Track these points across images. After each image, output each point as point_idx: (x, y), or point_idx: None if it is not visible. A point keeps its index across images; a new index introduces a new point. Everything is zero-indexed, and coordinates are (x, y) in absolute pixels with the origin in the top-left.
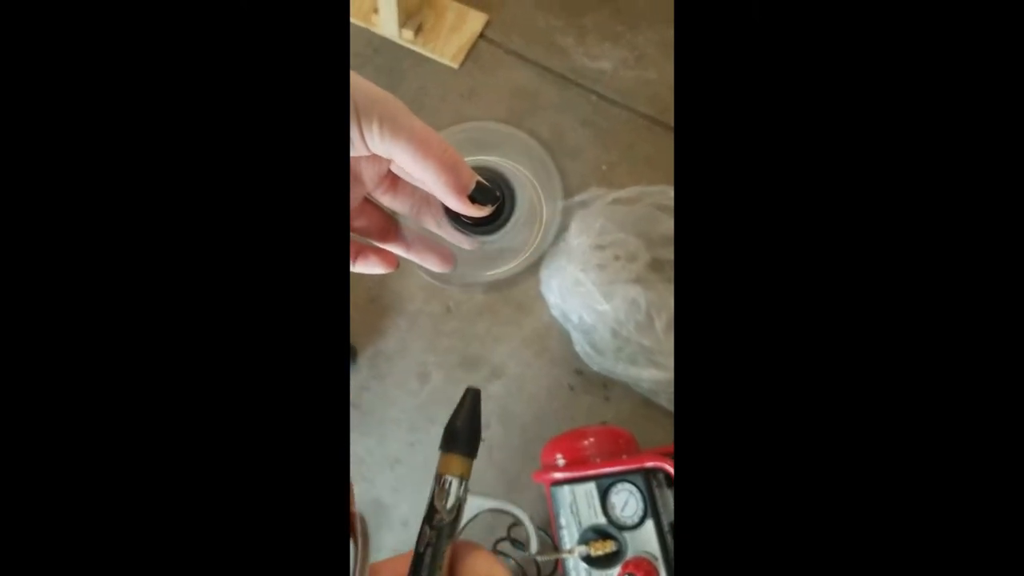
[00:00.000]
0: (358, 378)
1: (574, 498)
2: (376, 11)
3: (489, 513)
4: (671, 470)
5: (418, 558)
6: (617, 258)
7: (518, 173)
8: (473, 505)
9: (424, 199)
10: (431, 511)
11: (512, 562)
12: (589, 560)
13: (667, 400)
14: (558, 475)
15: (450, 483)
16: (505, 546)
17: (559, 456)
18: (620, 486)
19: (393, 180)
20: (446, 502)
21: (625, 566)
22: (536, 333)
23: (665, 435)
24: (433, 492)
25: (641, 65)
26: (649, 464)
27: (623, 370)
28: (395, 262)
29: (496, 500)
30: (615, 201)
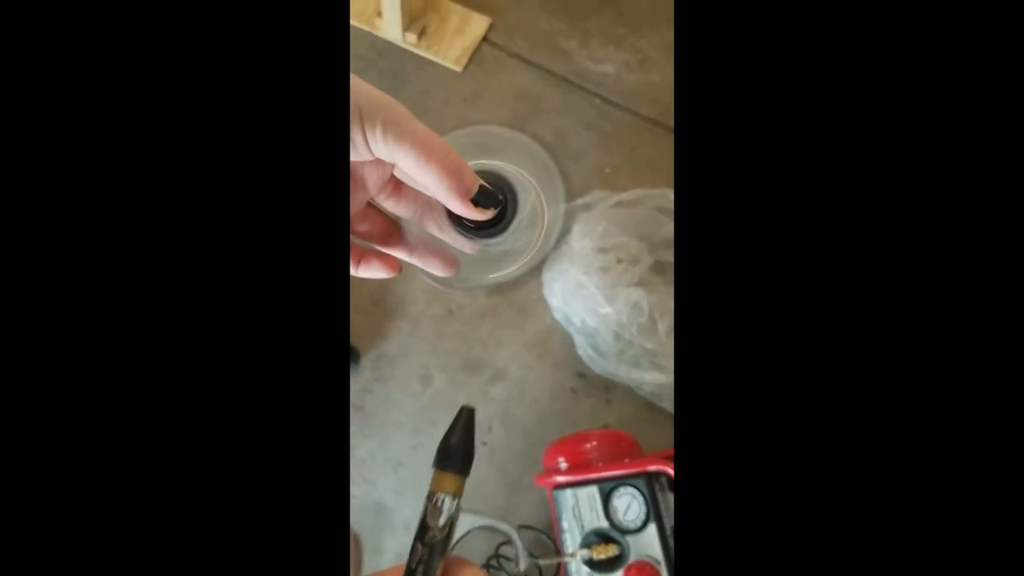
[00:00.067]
0: (361, 380)
1: (576, 502)
2: (380, 15)
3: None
4: (673, 474)
5: (410, 574)
6: (620, 261)
7: (521, 176)
8: (465, 522)
9: (427, 203)
10: (423, 528)
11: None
12: (591, 564)
13: (670, 403)
14: (560, 478)
15: (443, 501)
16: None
17: (561, 459)
18: (623, 490)
19: (396, 185)
20: (438, 519)
21: (628, 570)
22: (538, 336)
23: (668, 439)
24: (425, 509)
25: (644, 68)
26: (652, 468)
27: (626, 373)
28: (398, 266)
29: (488, 518)
30: (618, 204)
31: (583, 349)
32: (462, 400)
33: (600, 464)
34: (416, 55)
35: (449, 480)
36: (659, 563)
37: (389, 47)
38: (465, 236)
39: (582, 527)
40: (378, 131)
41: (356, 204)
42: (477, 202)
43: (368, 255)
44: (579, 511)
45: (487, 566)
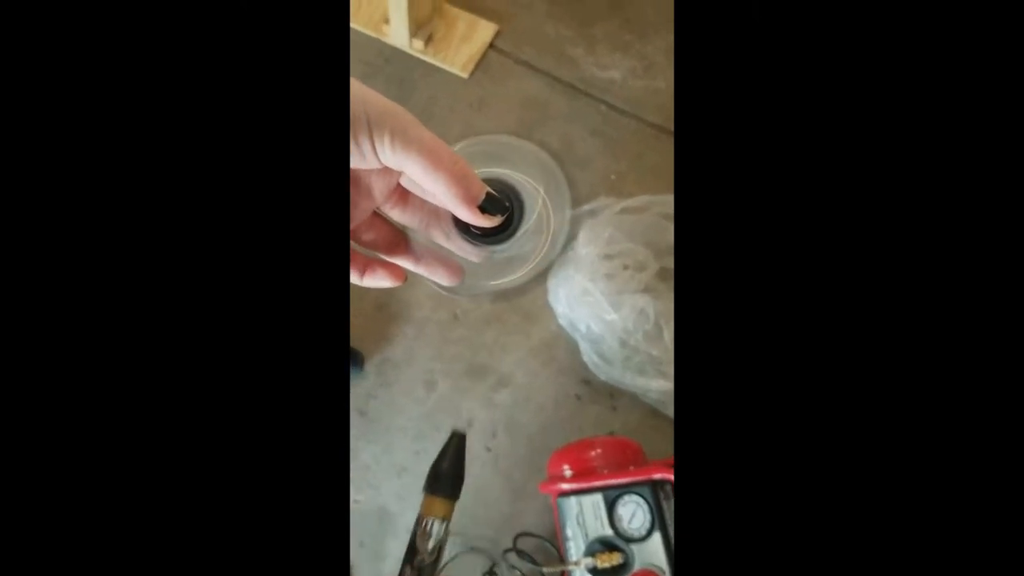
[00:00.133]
0: (365, 385)
1: (581, 509)
2: (387, 21)
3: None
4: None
5: None
6: (625, 268)
7: (527, 183)
8: (454, 546)
9: (433, 212)
10: (412, 551)
11: None
12: (595, 572)
13: None
14: (565, 486)
15: (432, 524)
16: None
17: (566, 467)
18: (627, 498)
19: (403, 194)
20: (427, 543)
21: None
22: (543, 342)
23: (673, 446)
24: (414, 533)
25: (650, 74)
26: (656, 476)
27: (631, 380)
28: (403, 276)
29: (476, 541)
30: (624, 210)
31: (588, 356)
32: (466, 406)
33: (605, 471)
34: (423, 61)
35: (439, 504)
36: (664, 572)
37: (396, 53)
38: (471, 243)
39: (586, 535)
40: (386, 139)
41: (362, 213)
42: (484, 209)
43: (373, 264)
44: (583, 519)
45: None
